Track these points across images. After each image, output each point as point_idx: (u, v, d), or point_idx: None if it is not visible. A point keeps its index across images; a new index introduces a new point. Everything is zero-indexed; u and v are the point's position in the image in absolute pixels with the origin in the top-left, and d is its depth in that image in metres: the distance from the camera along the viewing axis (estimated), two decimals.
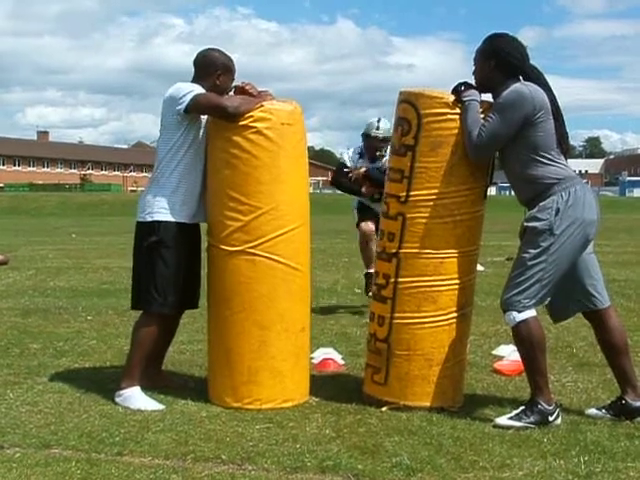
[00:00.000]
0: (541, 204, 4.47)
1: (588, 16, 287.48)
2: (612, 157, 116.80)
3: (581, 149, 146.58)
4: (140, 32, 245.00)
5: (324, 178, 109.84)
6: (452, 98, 4.67)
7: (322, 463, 3.91)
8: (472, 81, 4.75)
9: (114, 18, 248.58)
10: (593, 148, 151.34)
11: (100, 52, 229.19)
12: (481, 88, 4.70)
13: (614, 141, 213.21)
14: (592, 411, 4.72)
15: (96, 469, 3.83)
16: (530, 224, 4.50)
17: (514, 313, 4.49)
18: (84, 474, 3.77)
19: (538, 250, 4.46)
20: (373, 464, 3.90)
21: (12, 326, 7.83)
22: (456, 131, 4.64)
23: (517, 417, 4.47)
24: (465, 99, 4.62)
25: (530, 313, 4.50)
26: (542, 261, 4.46)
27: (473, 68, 4.74)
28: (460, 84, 4.73)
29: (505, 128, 4.49)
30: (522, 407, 4.53)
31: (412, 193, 4.72)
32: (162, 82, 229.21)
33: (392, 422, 4.55)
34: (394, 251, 4.80)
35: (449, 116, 4.65)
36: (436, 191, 4.68)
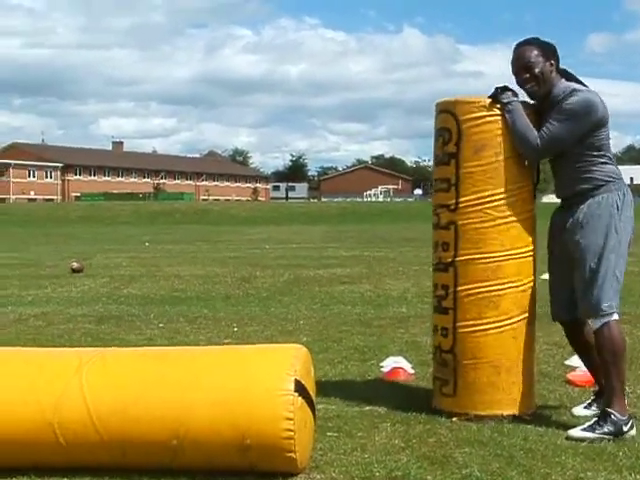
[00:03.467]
0: (596, 199, 4.47)
1: None
2: None
3: None
4: (207, 43, 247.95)
5: (394, 186, 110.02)
6: (489, 101, 4.66)
7: (391, 473, 3.87)
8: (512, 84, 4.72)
9: (182, 31, 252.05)
10: None
11: (169, 63, 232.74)
12: (538, 87, 4.61)
13: None
14: (579, 410, 4.84)
15: None
16: (592, 221, 4.46)
17: (600, 317, 4.43)
18: None
19: (599, 249, 4.45)
20: (443, 475, 3.85)
21: (86, 332, 7.97)
22: (497, 132, 4.64)
23: (591, 428, 4.38)
24: (505, 100, 4.60)
25: (614, 316, 4.45)
26: (609, 260, 4.45)
27: (520, 68, 4.62)
28: (498, 88, 4.70)
29: (571, 133, 4.47)
30: (595, 418, 4.44)
31: (461, 199, 4.70)
32: (229, 92, 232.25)
33: (462, 433, 4.49)
34: (450, 260, 4.76)
35: (488, 119, 4.66)
36: (485, 194, 4.66)
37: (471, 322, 4.72)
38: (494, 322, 4.69)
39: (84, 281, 13.05)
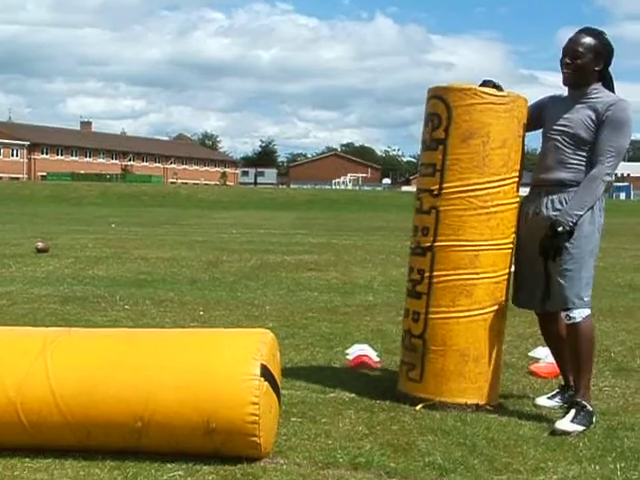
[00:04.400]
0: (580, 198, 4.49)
1: (628, 17, 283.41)
2: None
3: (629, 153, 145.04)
4: (180, 25, 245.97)
5: (363, 175, 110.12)
6: (480, 89, 4.67)
7: (354, 460, 3.89)
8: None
9: (154, 11, 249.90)
10: (637, 151, 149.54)
11: (140, 44, 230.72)
12: (572, 76, 4.59)
13: None
14: (542, 401, 4.90)
15: None
16: (586, 210, 4.47)
17: (579, 310, 4.47)
18: None
19: (589, 248, 4.51)
20: (405, 462, 3.87)
21: (50, 313, 7.91)
22: (486, 122, 4.66)
23: (577, 420, 4.40)
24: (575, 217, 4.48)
25: (589, 310, 4.52)
26: (594, 255, 4.56)
27: (571, 58, 4.57)
28: (485, 81, 4.73)
29: (627, 143, 4.55)
30: (573, 410, 4.46)
31: (445, 185, 4.72)
32: (200, 75, 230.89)
33: (426, 421, 4.52)
34: (429, 245, 4.78)
35: (478, 107, 4.67)
36: (469, 182, 4.68)
37: (443, 309, 4.74)
38: (466, 311, 4.72)
39: (49, 261, 12.93)
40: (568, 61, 4.57)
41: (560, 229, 4.41)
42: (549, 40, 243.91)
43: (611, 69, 4.66)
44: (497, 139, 4.67)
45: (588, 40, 4.55)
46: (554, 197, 4.57)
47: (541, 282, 4.67)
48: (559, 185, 4.57)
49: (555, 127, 4.64)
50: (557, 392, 4.96)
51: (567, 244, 4.43)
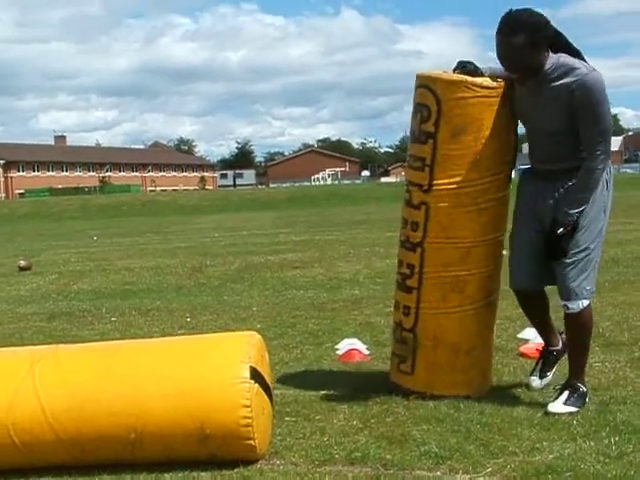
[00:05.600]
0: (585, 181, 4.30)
1: None
2: (630, 134, 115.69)
3: None
4: (146, 33, 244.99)
5: (342, 169, 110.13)
6: (471, 80, 4.45)
7: (350, 454, 3.89)
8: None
9: (119, 21, 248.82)
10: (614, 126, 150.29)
11: (107, 55, 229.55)
12: (528, 77, 4.34)
13: (630, 117, 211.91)
14: (535, 381, 4.88)
15: None
16: (586, 205, 4.32)
17: (578, 301, 4.41)
18: None
19: (596, 232, 4.40)
20: (402, 453, 3.88)
21: (37, 330, 7.87)
22: (478, 116, 4.48)
23: (571, 402, 4.41)
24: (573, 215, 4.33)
25: (589, 300, 4.47)
26: (599, 243, 4.43)
27: (512, 66, 4.32)
28: (461, 62, 4.52)
29: (609, 120, 4.29)
30: (566, 392, 4.45)
31: (435, 182, 4.58)
32: (170, 81, 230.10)
33: (419, 411, 4.52)
34: (418, 241, 4.68)
35: (470, 101, 4.47)
36: (459, 179, 4.54)
37: (434, 304, 4.69)
38: (458, 306, 4.67)
39: (32, 279, 12.86)
40: (512, 69, 4.33)
41: (560, 231, 4.30)
42: None
43: (576, 46, 4.33)
44: (489, 133, 4.49)
45: (514, 38, 4.17)
46: (556, 184, 4.39)
47: (539, 261, 4.52)
48: (567, 172, 4.35)
49: (531, 127, 4.47)
50: (542, 368, 4.90)
51: (572, 237, 4.33)
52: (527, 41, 4.18)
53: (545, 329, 4.92)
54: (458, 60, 4.58)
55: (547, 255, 4.43)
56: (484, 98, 4.49)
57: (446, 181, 4.57)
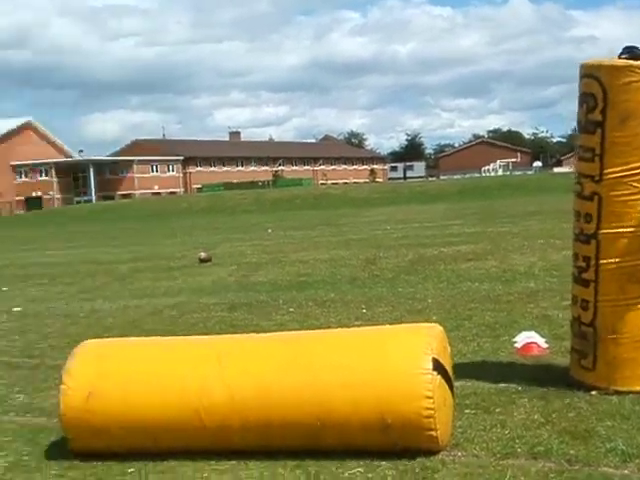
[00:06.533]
0: None
1: None
2: None
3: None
4: (316, 29, 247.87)
5: (513, 160, 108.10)
6: (637, 64, 4.39)
7: (533, 449, 3.86)
8: None
9: (290, 19, 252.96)
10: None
11: (278, 52, 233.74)
12: None
13: None
14: None
15: None
16: None
17: None
18: None
19: None
20: (586, 449, 3.81)
21: (220, 320, 8.19)
22: None
23: None
24: None
25: None
26: None
27: None
28: (626, 47, 4.45)
29: None
30: None
31: (606, 171, 4.54)
32: (340, 76, 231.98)
33: (602, 406, 4.42)
34: (592, 232, 4.63)
35: (635, 85, 4.42)
36: (630, 166, 4.49)
37: (613, 296, 4.61)
38: (637, 297, 4.57)
39: (212, 270, 13.36)
40: None
41: None
42: None
43: None
44: None
45: None
46: None
47: None
48: None
49: None
50: None
51: None
52: None
53: None
54: (624, 46, 4.51)
55: None
56: None
57: (617, 169, 4.53)
